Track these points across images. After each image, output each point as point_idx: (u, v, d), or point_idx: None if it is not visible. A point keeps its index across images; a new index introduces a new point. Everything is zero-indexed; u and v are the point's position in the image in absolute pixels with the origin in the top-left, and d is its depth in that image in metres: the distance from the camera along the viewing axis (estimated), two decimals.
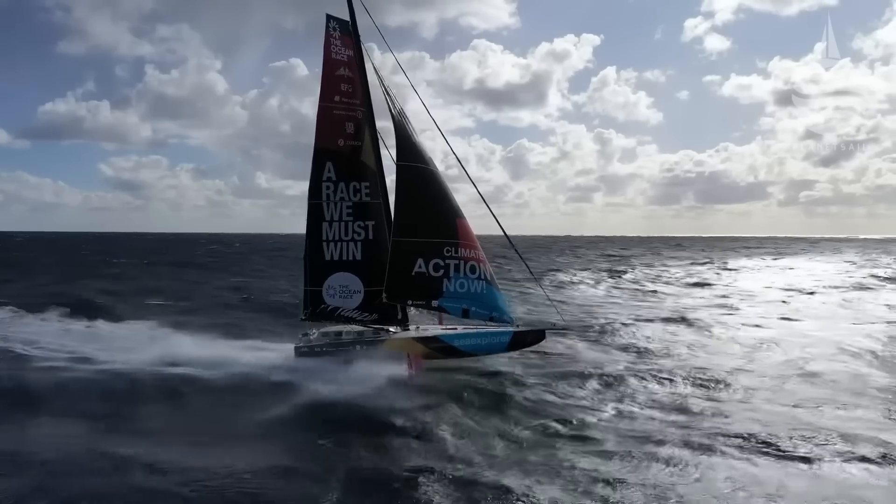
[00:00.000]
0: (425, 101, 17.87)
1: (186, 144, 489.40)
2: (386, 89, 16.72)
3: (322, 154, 16.98)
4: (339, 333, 17.37)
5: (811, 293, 36.24)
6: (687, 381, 15.66)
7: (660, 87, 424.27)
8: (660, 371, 16.62)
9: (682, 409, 13.47)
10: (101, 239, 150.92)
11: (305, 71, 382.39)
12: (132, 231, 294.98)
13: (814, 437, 11.40)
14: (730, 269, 57.03)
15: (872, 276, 49.58)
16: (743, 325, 24.27)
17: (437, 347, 16.48)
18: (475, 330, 16.82)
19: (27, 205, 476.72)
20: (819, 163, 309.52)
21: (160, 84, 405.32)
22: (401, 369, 15.59)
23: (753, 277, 48.63)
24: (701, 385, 15.40)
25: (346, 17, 17.23)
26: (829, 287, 39.94)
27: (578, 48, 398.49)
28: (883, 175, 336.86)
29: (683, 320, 25.18)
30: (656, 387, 15.34)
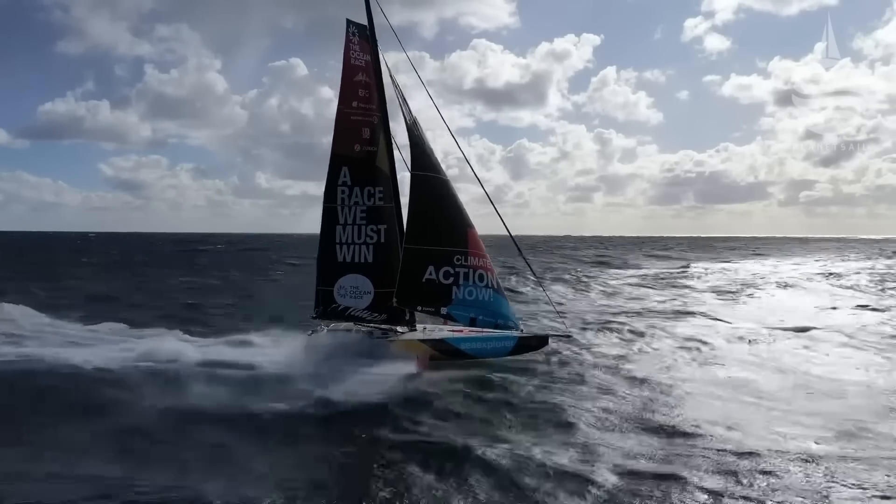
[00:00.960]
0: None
1: (186, 144, 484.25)
2: (402, 99, 17.18)
3: (339, 159, 17.35)
4: (349, 331, 17.71)
5: (731, 293, 36.88)
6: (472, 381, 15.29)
7: (660, 87, 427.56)
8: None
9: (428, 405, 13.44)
10: (86, 238, 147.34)
11: (305, 71, 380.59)
12: (132, 231, 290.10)
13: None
14: (676, 271, 54.82)
15: (802, 274, 50.20)
16: (622, 323, 24.40)
17: (444, 349, 16.88)
18: (481, 334, 17.25)
19: (27, 204, 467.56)
20: (819, 163, 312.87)
21: (160, 84, 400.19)
22: (407, 368, 15.90)
23: (691, 279, 47.49)
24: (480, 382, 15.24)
25: (361, 21, 17.51)
26: (753, 287, 40.18)
27: (578, 48, 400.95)
28: (883, 175, 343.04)
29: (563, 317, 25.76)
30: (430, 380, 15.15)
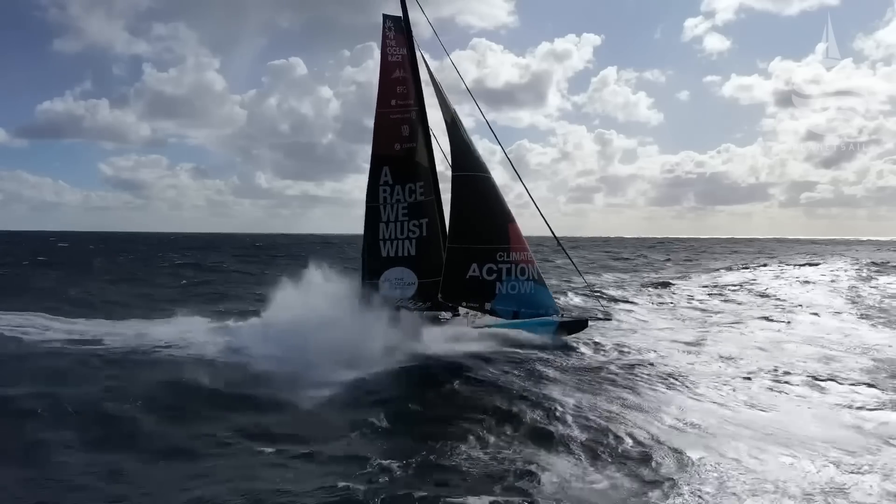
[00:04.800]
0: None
1: (186, 144, 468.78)
2: (440, 96, 17.25)
3: (380, 160, 17.60)
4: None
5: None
6: None
7: (660, 87, 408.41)
8: None
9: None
10: (66, 237, 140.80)
11: (305, 70, 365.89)
12: (133, 231, 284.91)
13: None
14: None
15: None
16: None
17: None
18: (523, 319, 17.95)
19: (28, 204, 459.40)
20: (820, 164, 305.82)
21: (158, 83, 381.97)
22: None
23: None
24: None
25: (390, 17, 17.42)
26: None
27: (579, 48, 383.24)
28: (884, 177, 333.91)
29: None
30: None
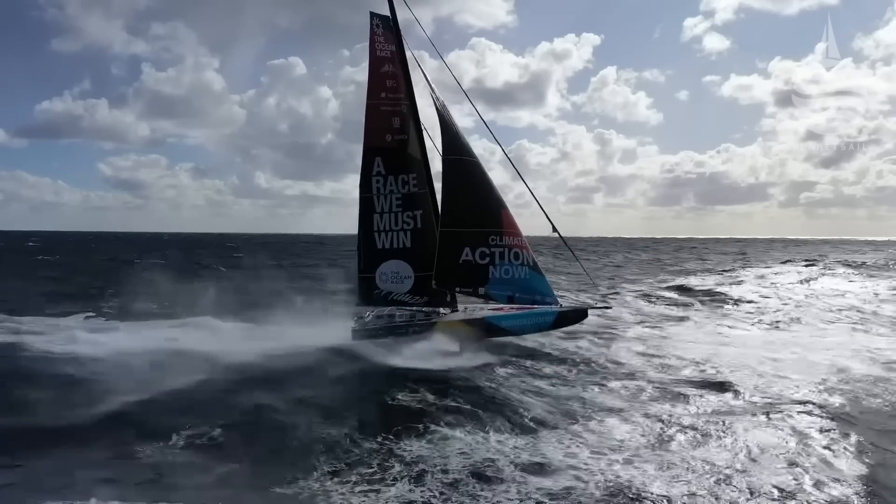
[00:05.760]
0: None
1: (185, 144, 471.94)
2: (430, 86, 17.58)
3: (371, 151, 17.84)
4: (392, 315, 18.34)
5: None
6: None
7: (659, 87, 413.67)
8: None
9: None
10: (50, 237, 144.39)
11: (304, 70, 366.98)
12: (134, 231, 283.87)
13: None
14: None
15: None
16: None
17: (486, 328, 17.42)
18: (521, 311, 17.84)
19: (27, 204, 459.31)
20: (820, 164, 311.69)
21: (157, 83, 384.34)
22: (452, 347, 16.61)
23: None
24: None
25: (377, 15, 17.79)
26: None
27: (578, 48, 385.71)
28: (884, 177, 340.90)
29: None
30: None
